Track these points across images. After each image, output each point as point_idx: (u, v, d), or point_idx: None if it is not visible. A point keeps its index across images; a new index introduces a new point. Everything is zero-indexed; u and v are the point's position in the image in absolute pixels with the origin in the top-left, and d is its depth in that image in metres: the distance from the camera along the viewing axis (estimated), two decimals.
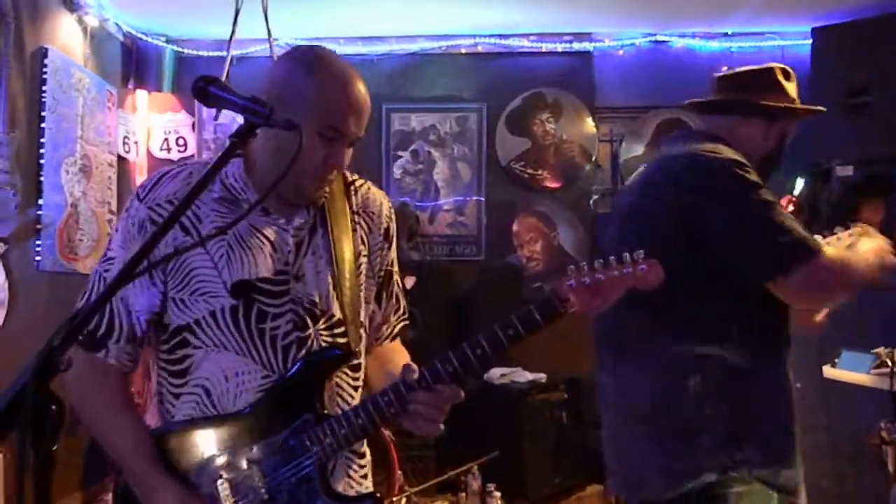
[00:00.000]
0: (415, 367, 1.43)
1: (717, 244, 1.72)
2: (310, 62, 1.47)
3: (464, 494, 3.78)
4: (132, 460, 1.46)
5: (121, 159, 4.43)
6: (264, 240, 1.50)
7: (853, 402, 3.91)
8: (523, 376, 4.12)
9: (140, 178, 4.68)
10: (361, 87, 1.47)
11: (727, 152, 1.79)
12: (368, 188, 1.65)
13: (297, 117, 1.40)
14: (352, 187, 1.62)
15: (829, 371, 2.75)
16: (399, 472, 3.75)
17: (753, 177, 1.75)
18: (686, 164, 1.79)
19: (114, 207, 4.31)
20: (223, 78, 3.69)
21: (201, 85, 1.19)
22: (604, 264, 1.33)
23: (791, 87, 1.95)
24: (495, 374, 4.11)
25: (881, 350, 2.46)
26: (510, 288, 4.63)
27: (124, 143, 4.48)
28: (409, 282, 4.34)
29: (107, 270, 1.50)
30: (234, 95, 1.18)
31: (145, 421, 1.56)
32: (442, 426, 1.43)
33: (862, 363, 2.57)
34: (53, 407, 0.89)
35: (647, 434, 1.76)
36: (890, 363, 2.35)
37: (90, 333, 1.48)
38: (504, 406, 4.04)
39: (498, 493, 3.77)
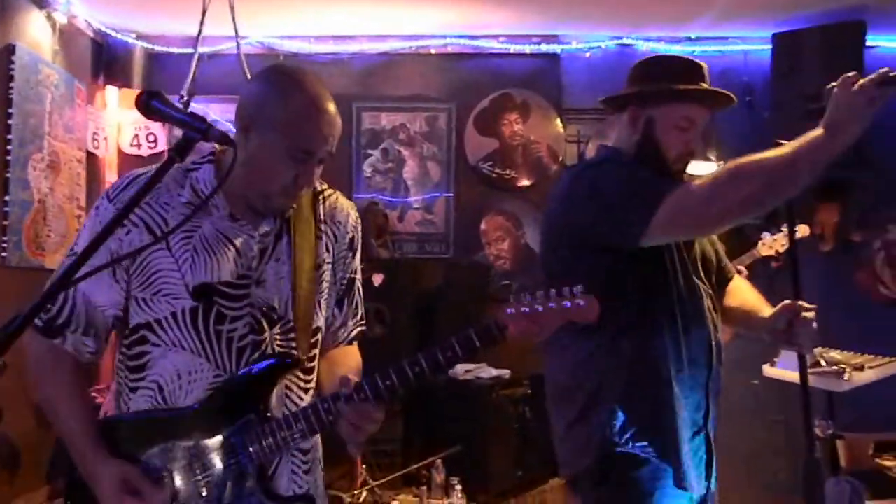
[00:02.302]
0: (352, 379, 1.50)
1: (596, 229, 1.88)
2: (282, 84, 1.52)
3: (426, 487, 3.85)
4: (79, 441, 1.53)
5: (90, 155, 4.45)
6: (230, 245, 1.56)
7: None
8: (488, 372, 4.19)
9: (110, 173, 4.70)
10: (331, 108, 1.52)
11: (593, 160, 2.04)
12: (337, 198, 1.72)
13: (269, 137, 1.48)
14: (320, 197, 1.68)
15: (768, 370, 2.85)
16: (363, 465, 3.82)
17: (609, 164, 1.95)
18: (560, 184, 2.05)
19: (82, 203, 4.33)
20: (190, 77, 3.74)
21: (144, 99, 1.25)
22: (544, 296, 1.41)
23: (675, 75, 1.99)
24: (460, 370, 4.17)
25: (817, 349, 2.56)
26: (478, 286, 4.70)
27: (94, 139, 4.49)
28: (378, 279, 4.40)
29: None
30: (174, 110, 1.24)
31: (99, 406, 1.62)
32: (360, 444, 1.51)
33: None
34: None
35: (561, 416, 1.97)
36: (824, 362, 2.45)
37: (50, 321, 1.55)
38: (468, 401, 4.11)
39: (460, 487, 3.85)
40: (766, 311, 2.04)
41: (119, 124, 4.72)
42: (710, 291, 2.03)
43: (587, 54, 4.79)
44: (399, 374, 1.46)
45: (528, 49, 4.77)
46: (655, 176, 1.87)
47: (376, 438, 4.02)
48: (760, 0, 4.16)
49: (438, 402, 4.15)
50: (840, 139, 1.64)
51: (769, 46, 4.43)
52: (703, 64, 2.03)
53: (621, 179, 1.86)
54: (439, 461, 3.87)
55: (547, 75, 4.83)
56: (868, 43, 4.27)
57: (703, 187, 1.75)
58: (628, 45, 4.76)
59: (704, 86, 1.99)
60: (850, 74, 1.67)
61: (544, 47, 4.77)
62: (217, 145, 1.59)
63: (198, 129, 1.21)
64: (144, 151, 4.75)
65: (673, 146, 1.97)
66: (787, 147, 1.68)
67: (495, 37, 4.75)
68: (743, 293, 2.17)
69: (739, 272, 2.67)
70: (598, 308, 1.41)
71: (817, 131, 1.66)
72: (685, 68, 2.00)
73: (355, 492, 3.56)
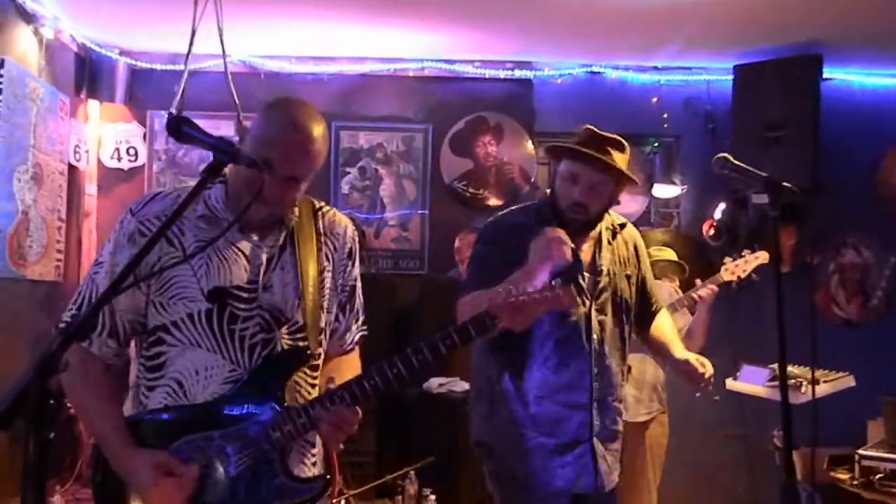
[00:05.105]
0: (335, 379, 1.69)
1: None
2: (275, 108, 1.69)
3: (400, 498, 3.95)
4: (112, 440, 1.63)
5: (71, 167, 4.50)
6: (240, 253, 1.70)
7: (764, 413, 4.22)
8: (460, 386, 4.30)
9: (90, 185, 4.76)
10: (308, 134, 1.64)
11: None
12: (334, 214, 1.88)
13: (261, 155, 1.63)
14: (319, 213, 1.84)
15: (731, 384, 3.03)
16: (339, 475, 3.90)
17: (486, 231, 2.41)
18: None
19: (63, 215, 4.38)
20: (178, 96, 3.83)
21: (174, 125, 1.37)
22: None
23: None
24: (434, 383, 4.29)
25: (777, 364, 2.72)
26: (451, 301, 4.81)
27: (75, 152, 4.55)
28: None
29: (96, 273, 1.69)
30: (205, 135, 1.36)
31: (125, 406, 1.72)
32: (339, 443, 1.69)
33: (759, 376, 2.84)
34: (52, 402, 1.05)
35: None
36: None
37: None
38: (441, 414, 4.22)
39: (433, 497, 3.95)
40: (678, 351, 2.42)
41: (100, 138, 4.79)
42: (614, 323, 2.35)
43: (559, 80, 4.98)
44: (405, 363, 1.62)
45: (502, 74, 4.95)
46: (488, 264, 2.28)
47: (350, 450, 4.12)
48: (722, 33, 4.38)
49: (412, 414, 4.25)
50: (532, 275, 2.08)
51: (731, 77, 4.65)
52: (615, 138, 2.27)
53: (480, 250, 2.38)
54: (413, 472, 3.97)
55: (520, 100, 5.00)
56: (824, 75, 4.51)
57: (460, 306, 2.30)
58: (597, 73, 4.97)
59: (581, 149, 2.24)
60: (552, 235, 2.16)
61: (518, 73, 4.95)
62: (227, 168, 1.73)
63: (227, 152, 1.34)
64: (125, 165, 4.82)
65: (562, 196, 2.29)
66: (467, 296, 2.25)
67: (471, 61, 4.91)
68: (661, 330, 2.52)
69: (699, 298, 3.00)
70: (575, 297, 1.64)
71: (518, 273, 2.11)
72: (589, 137, 2.26)
73: (333, 501, 3.64)
